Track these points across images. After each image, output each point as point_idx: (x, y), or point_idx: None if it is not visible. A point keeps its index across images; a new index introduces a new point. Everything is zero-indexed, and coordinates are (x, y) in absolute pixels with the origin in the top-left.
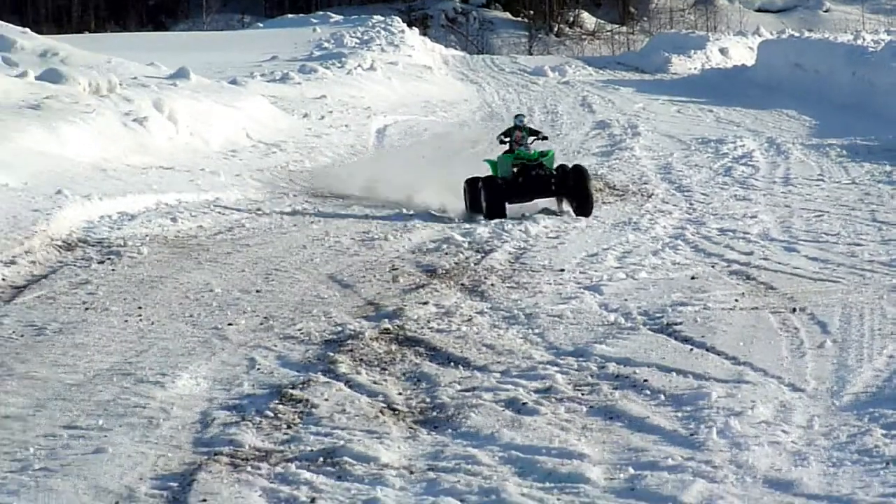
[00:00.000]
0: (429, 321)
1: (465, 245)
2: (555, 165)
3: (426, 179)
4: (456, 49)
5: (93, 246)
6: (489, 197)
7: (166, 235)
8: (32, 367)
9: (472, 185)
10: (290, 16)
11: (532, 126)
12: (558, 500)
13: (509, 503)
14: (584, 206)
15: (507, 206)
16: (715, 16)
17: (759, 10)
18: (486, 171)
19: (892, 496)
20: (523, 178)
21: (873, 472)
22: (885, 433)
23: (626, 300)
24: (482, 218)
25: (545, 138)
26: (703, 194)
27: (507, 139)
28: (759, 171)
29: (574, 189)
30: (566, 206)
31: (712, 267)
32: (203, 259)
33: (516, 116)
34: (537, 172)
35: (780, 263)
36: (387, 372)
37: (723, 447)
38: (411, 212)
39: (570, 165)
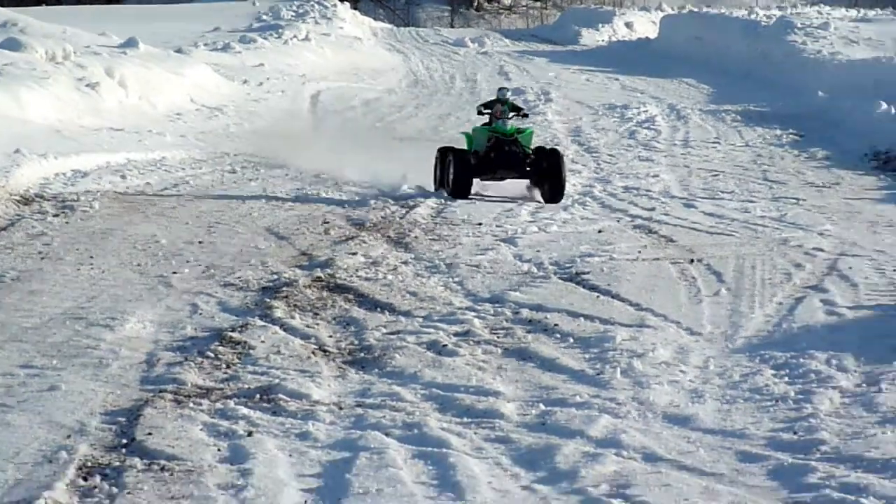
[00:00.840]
0: (357, 270)
1: (392, 200)
2: (533, 146)
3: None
4: (384, 22)
5: (48, 201)
6: (456, 172)
7: (116, 191)
8: None
9: (443, 155)
10: None
11: (515, 102)
12: (475, 434)
13: (430, 437)
14: (555, 192)
15: (480, 182)
16: None
17: None
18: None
19: (781, 431)
20: (496, 154)
21: (763, 409)
22: (775, 373)
23: (538, 251)
24: (446, 195)
25: (526, 115)
26: (609, 155)
27: (487, 111)
28: (661, 134)
29: (547, 171)
30: (537, 195)
31: (617, 221)
32: (150, 213)
33: (500, 89)
34: (511, 148)
35: (679, 218)
36: (318, 316)
37: (626, 386)
38: (349, 169)
39: (548, 147)
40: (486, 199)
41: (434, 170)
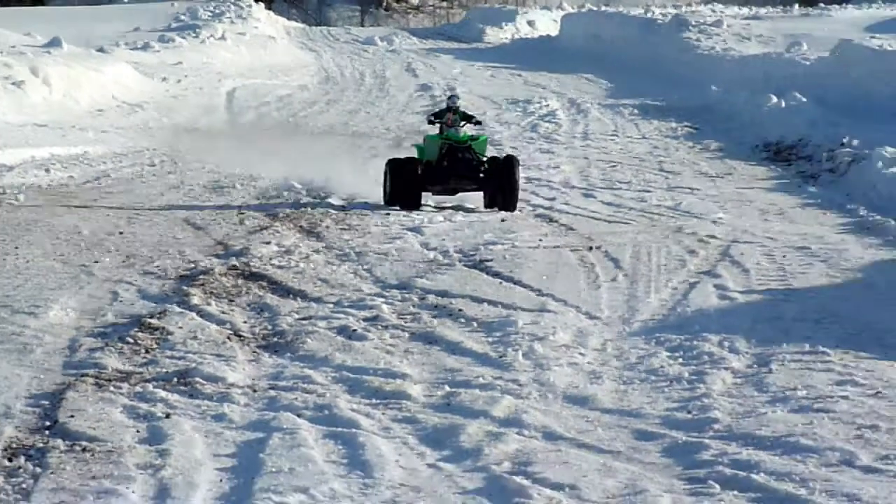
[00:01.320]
0: (271, 259)
1: (304, 192)
2: (487, 154)
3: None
4: (297, 21)
5: None
6: (402, 182)
7: (40, 184)
8: None
9: (392, 168)
10: None
11: (467, 111)
12: (384, 414)
13: (340, 418)
14: (508, 200)
15: (432, 193)
16: None
17: None
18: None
19: (676, 410)
20: (449, 161)
21: (659, 389)
22: (670, 355)
23: (443, 240)
24: (397, 208)
25: (479, 123)
26: (512, 147)
27: (438, 121)
28: (562, 127)
29: (501, 178)
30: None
31: (520, 211)
32: (73, 205)
33: (450, 97)
34: (464, 155)
35: (578, 208)
36: (234, 303)
37: (527, 368)
38: (263, 162)
39: (503, 156)
40: None
41: (384, 184)
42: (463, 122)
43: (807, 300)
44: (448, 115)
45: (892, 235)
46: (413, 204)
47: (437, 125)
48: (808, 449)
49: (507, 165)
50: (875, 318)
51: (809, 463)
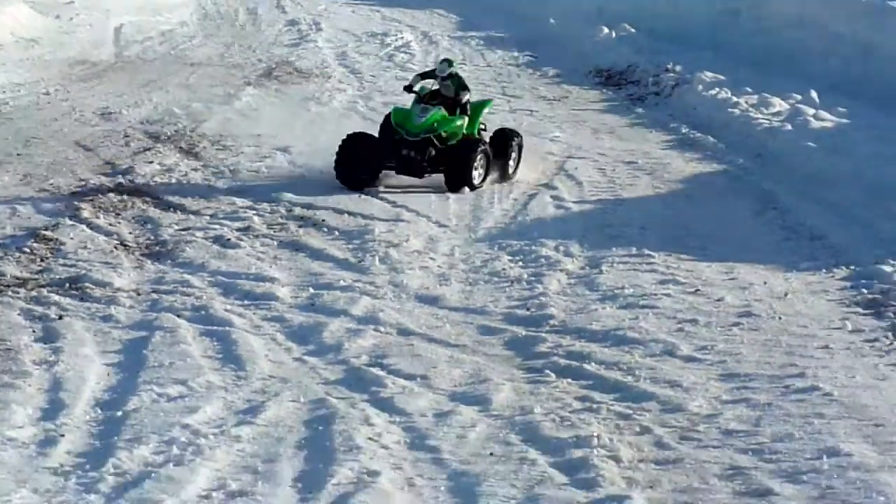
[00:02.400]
0: (154, 176)
1: (184, 116)
2: (478, 130)
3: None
4: None
5: None
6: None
7: None
8: None
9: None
10: None
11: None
12: (254, 314)
13: (216, 317)
14: (454, 179)
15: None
16: None
17: None
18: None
19: (516, 308)
20: (396, 158)
21: (501, 289)
22: (511, 259)
23: (309, 158)
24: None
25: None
26: (371, 76)
27: (415, 91)
28: (415, 57)
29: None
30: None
31: (377, 132)
32: None
33: (441, 62)
34: (409, 153)
35: None
36: (120, 216)
37: (383, 271)
38: (147, 90)
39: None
40: (263, 114)
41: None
42: (455, 94)
43: (634, 209)
44: (437, 81)
45: (710, 150)
46: (351, 181)
47: (416, 93)
48: (634, 341)
49: (463, 151)
50: (694, 224)
51: (636, 353)
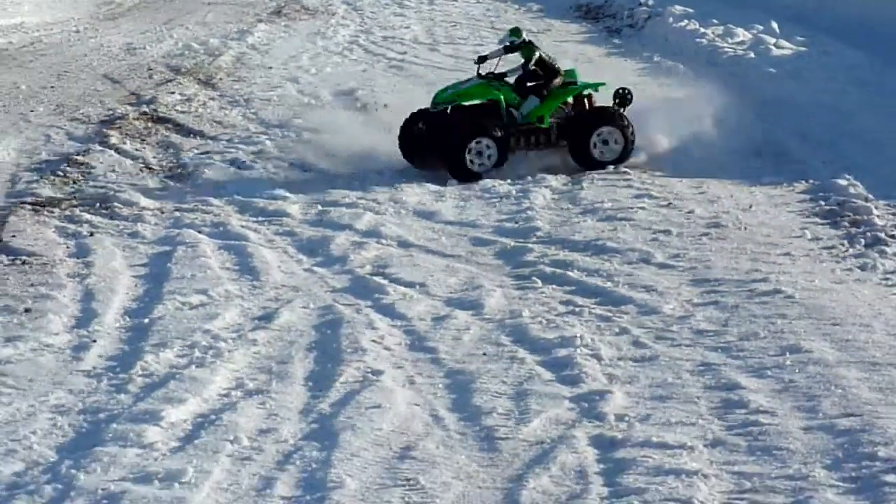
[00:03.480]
0: (175, 105)
1: (202, 50)
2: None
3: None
4: None
5: None
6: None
7: None
8: None
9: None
10: None
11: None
12: (268, 229)
13: (233, 232)
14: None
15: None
16: None
17: None
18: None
19: (505, 221)
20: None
21: (491, 204)
22: (499, 176)
23: (316, 87)
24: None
25: (556, 73)
26: (371, 12)
27: (494, 71)
28: None
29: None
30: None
31: (378, 63)
32: (12, 65)
33: (512, 31)
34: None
35: (426, 59)
36: (145, 142)
37: (384, 190)
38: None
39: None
40: (273, 48)
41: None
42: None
43: None
44: (501, 55)
45: (680, 77)
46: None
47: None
48: (613, 250)
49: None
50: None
51: (614, 261)
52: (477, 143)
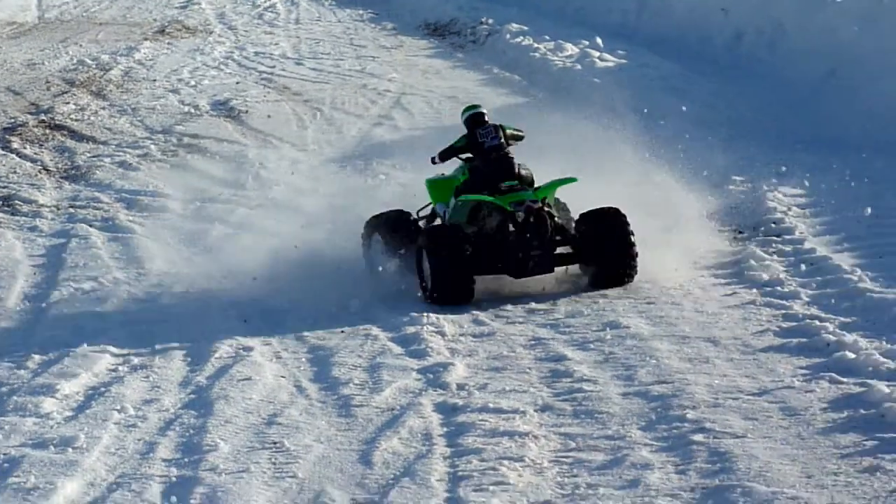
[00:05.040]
0: (70, 114)
1: (94, 65)
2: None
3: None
4: None
5: None
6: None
7: None
8: None
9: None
10: None
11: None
12: (152, 223)
13: (121, 226)
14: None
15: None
16: None
17: None
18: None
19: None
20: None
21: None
22: (354, 172)
23: (195, 98)
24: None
25: (521, 138)
26: (244, 31)
27: (461, 156)
28: (280, 15)
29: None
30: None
31: (250, 76)
32: None
33: (474, 110)
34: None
35: (292, 73)
36: (43, 147)
37: (256, 188)
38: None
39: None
40: (157, 63)
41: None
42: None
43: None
44: (493, 135)
45: (516, 87)
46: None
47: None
48: None
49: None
50: None
51: None
52: None
